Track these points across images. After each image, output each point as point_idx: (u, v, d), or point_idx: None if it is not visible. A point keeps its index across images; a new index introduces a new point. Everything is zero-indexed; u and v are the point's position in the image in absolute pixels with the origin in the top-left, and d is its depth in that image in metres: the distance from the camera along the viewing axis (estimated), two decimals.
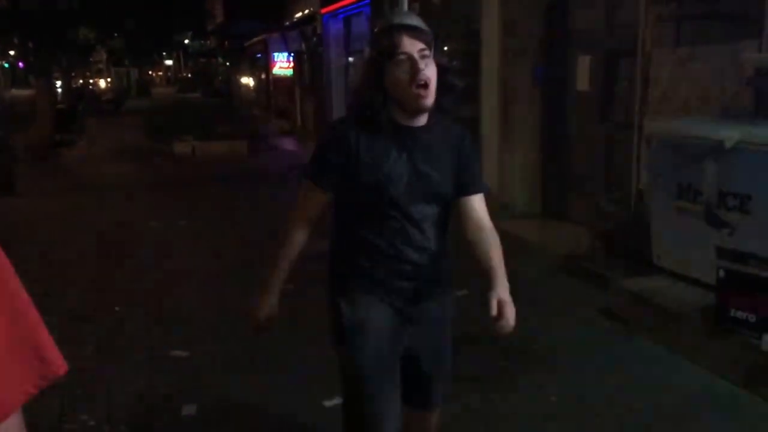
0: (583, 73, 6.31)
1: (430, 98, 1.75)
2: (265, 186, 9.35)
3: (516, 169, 6.96)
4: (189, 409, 3.13)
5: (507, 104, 7.01)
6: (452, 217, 1.91)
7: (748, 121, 3.74)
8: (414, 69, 1.72)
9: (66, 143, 14.17)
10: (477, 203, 1.88)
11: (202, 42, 35.99)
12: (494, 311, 1.59)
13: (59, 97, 17.67)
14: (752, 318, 3.20)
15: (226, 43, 26.79)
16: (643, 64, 5.14)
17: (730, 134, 3.56)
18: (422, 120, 1.81)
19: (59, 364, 0.83)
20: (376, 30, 1.84)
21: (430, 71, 1.73)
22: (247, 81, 25.95)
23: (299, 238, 1.90)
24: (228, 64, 28.89)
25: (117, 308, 4.49)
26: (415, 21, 1.77)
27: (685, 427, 2.94)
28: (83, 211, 7.86)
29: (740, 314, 3.25)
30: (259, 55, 22.22)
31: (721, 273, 3.34)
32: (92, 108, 21.49)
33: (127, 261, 5.68)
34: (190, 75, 44.19)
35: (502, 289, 1.65)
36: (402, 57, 1.72)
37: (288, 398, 3.18)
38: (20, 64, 25.52)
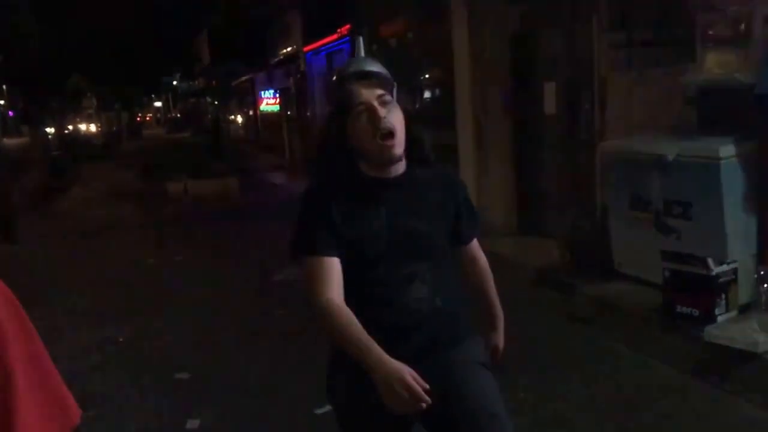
0: (549, 97, 6.74)
1: (398, 147, 1.61)
2: (257, 221, 9.70)
3: (492, 190, 7.35)
4: (192, 424, 3.46)
5: (481, 129, 7.44)
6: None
7: (688, 136, 4.14)
8: (375, 118, 1.59)
9: (61, 189, 14.51)
10: (474, 244, 1.87)
11: (191, 82, 36.64)
12: (495, 361, 1.84)
13: (51, 145, 18.05)
14: (696, 312, 3.56)
15: (214, 82, 27.36)
16: (599, 88, 5.57)
17: (670, 149, 3.96)
18: (399, 168, 1.66)
19: (76, 413, 0.95)
20: (330, 83, 1.75)
21: (393, 118, 1.60)
22: (236, 118, 26.49)
23: (344, 306, 1.58)
24: (216, 103, 29.44)
25: (120, 339, 4.81)
26: (369, 66, 1.65)
27: (640, 414, 3.27)
28: (83, 254, 8.18)
29: (685, 310, 3.61)
30: (246, 93, 22.77)
31: (667, 273, 3.70)
32: (84, 153, 21.91)
33: (128, 295, 6.01)
34: (179, 115, 44.76)
35: (501, 336, 1.93)
36: (360, 108, 1.60)
37: (283, 409, 3.50)
38: (10, 113, 25.99)
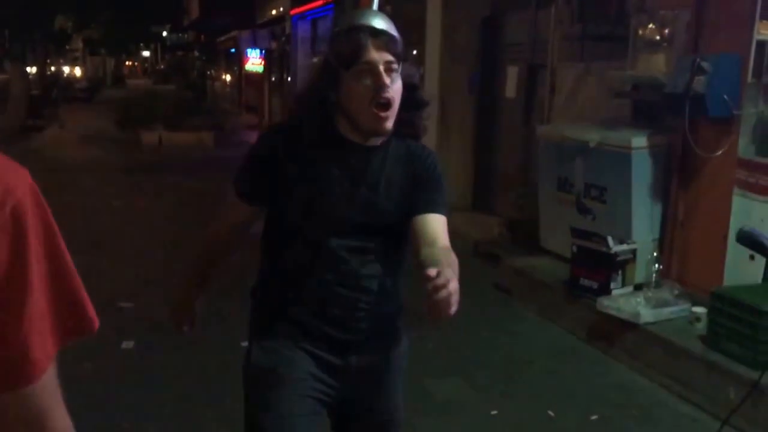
0: (511, 82, 7.06)
1: (390, 121, 1.49)
2: (223, 174, 9.94)
3: (451, 166, 7.67)
4: (127, 344, 3.79)
5: (445, 108, 7.75)
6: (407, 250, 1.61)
7: (613, 126, 4.47)
8: (377, 84, 1.45)
9: (37, 128, 14.57)
10: (433, 221, 1.52)
11: (180, 35, 36.32)
12: (432, 272, 1.25)
13: (31, 84, 18.00)
14: (594, 285, 3.93)
15: (202, 37, 27.25)
16: (551, 76, 5.89)
17: (592, 136, 4.31)
18: (378, 139, 1.55)
19: (93, 321, 0.88)
20: (336, 29, 1.56)
21: (395, 89, 1.47)
22: (221, 75, 26.45)
23: (214, 247, 1.74)
24: (204, 58, 29.31)
25: None
26: (385, 25, 1.49)
27: (531, 370, 3.67)
28: (48, 190, 8.30)
29: (586, 282, 3.98)
30: (232, 51, 22.76)
31: (574, 248, 4.06)
32: (65, 95, 21.83)
33: (88, 231, 6.27)
34: (163, 67, 44.38)
35: (447, 268, 1.31)
36: (364, 68, 1.45)
37: (213, 339, 3.83)
38: None
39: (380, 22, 1.49)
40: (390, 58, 1.46)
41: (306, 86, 1.59)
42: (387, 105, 1.47)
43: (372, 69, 1.45)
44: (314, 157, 1.53)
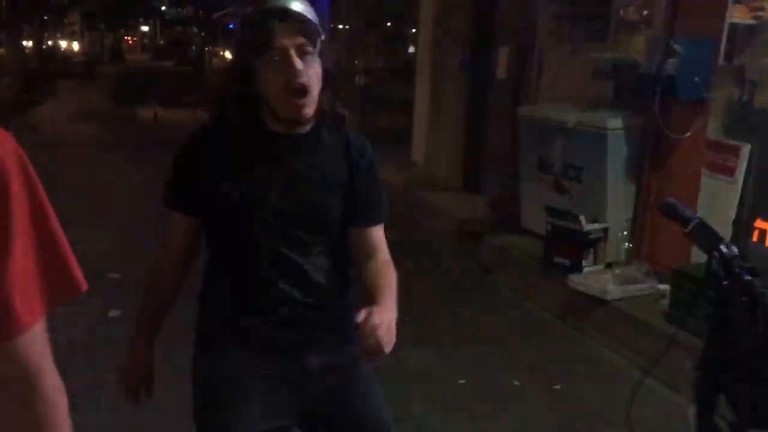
0: (502, 62, 7.11)
1: (308, 107, 1.41)
2: None
3: (442, 145, 7.77)
4: (115, 313, 3.91)
5: (437, 87, 7.81)
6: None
7: (593, 107, 4.55)
8: (289, 70, 1.37)
9: (32, 102, 14.60)
10: (373, 233, 1.51)
11: (179, 10, 36.08)
12: (361, 318, 1.26)
13: (28, 58, 17.98)
14: (567, 263, 4.04)
15: (201, 12, 27.12)
16: (538, 56, 5.95)
17: (570, 117, 4.39)
18: (305, 127, 1.47)
19: (80, 283, 0.87)
20: (243, 16, 1.49)
21: (310, 73, 1.39)
22: (220, 52, 26.35)
23: (166, 279, 1.63)
24: (203, 34, 29.19)
25: None
26: (296, 5, 1.39)
27: (503, 343, 3.79)
28: (42, 164, 8.42)
29: (560, 260, 4.09)
30: (231, 27, 22.67)
31: (549, 227, 4.17)
32: (62, 70, 21.80)
33: (80, 204, 6.37)
34: (162, 42, 44.12)
35: (382, 308, 1.33)
36: (275, 54, 1.37)
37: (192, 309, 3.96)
38: None
39: (293, 3, 1.39)
40: (302, 40, 1.38)
41: (223, 81, 1.54)
42: (302, 91, 1.39)
43: (282, 54, 1.37)
44: (241, 154, 1.47)
